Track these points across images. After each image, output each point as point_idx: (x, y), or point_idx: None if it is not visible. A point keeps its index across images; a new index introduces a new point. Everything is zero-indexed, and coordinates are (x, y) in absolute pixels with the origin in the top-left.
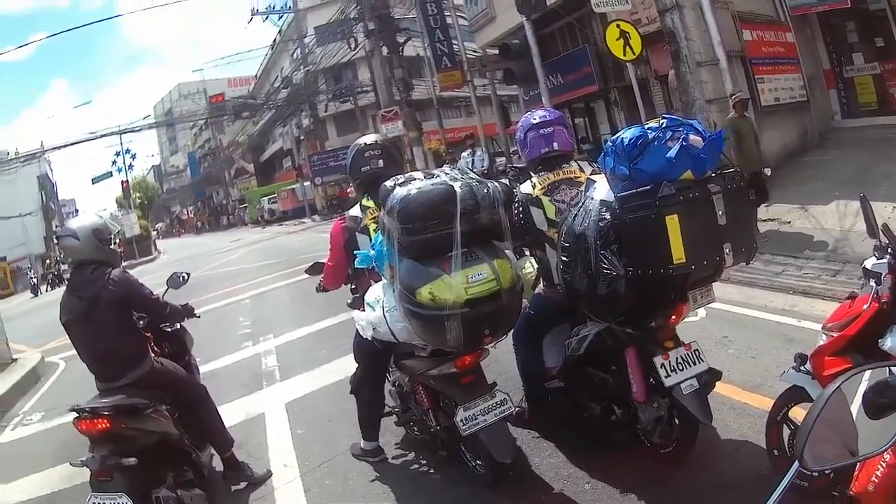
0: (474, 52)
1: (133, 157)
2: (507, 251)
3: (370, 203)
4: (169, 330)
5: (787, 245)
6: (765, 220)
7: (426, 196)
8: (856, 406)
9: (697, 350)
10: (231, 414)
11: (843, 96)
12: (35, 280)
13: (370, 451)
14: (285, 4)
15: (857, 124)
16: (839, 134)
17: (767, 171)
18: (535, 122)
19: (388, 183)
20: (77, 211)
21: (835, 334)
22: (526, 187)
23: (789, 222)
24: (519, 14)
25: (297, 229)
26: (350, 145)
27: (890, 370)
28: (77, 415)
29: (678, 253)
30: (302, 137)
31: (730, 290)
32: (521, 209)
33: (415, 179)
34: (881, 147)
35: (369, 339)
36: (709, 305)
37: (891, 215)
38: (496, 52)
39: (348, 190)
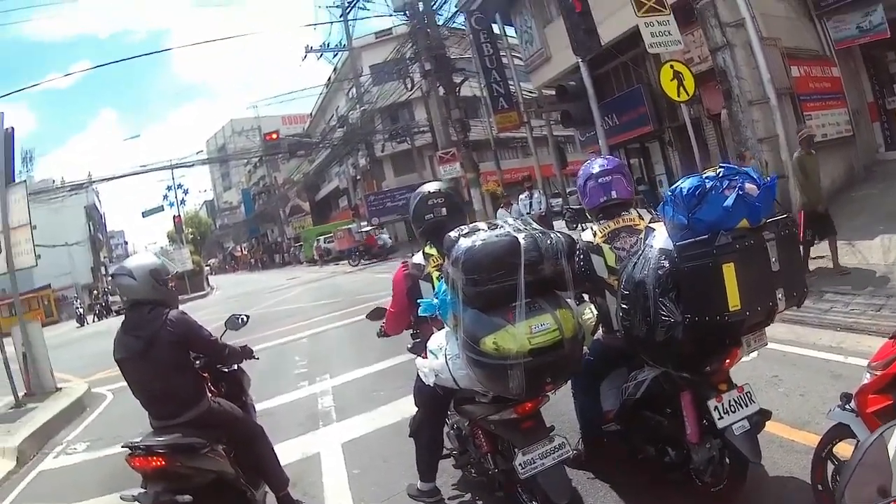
0: (530, 92)
1: (185, 192)
2: (569, 300)
3: (433, 251)
4: (226, 370)
5: (834, 281)
6: (814, 258)
7: (491, 247)
8: (893, 449)
9: (749, 392)
10: (286, 453)
11: (887, 128)
12: (81, 310)
13: (427, 492)
14: (339, 42)
15: None
16: (884, 167)
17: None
18: (594, 171)
19: (453, 234)
20: (126, 243)
21: (878, 373)
22: (587, 235)
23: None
24: (574, 55)
25: (352, 269)
26: (407, 186)
27: None
28: (130, 451)
29: (734, 300)
30: (358, 177)
31: (780, 329)
32: (582, 257)
33: (479, 230)
34: None
35: (431, 384)
36: (765, 347)
37: None
38: (552, 92)
39: (374, 234)
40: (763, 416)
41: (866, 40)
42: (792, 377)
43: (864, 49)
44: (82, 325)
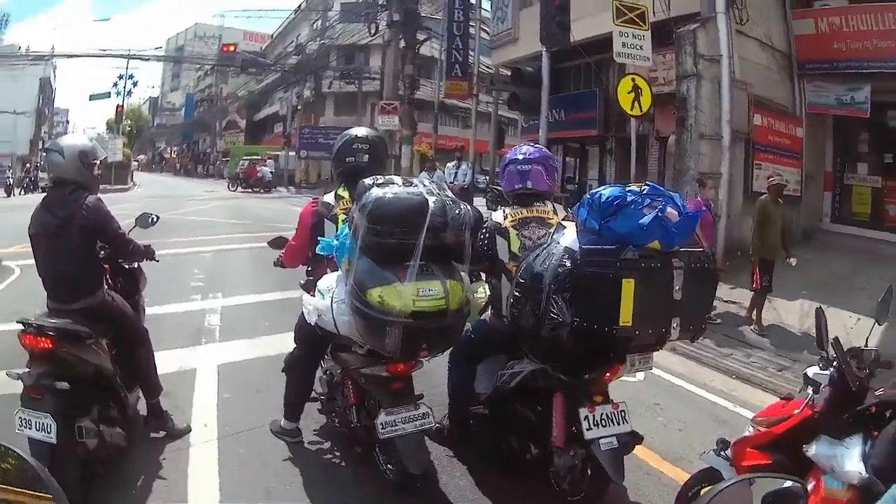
0: (487, 67)
1: (135, 83)
2: (462, 273)
3: (345, 194)
4: (126, 266)
5: (741, 331)
6: (726, 301)
7: (399, 202)
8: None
9: (624, 411)
10: (165, 363)
11: (837, 201)
12: (11, 180)
13: (289, 431)
14: None
15: (844, 231)
16: (824, 236)
17: (792, 262)
18: (518, 157)
19: (367, 181)
20: (68, 122)
21: (762, 429)
22: (497, 216)
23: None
24: (540, 43)
25: (270, 196)
26: (344, 126)
27: (798, 482)
28: (23, 327)
29: (626, 316)
30: (299, 107)
31: (674, 360)
32: (487, 235)
33: (393, 183)
34: (862, 259)
35: (312, 324)
36: (650, 371)
37: (853, 326)
38: (508, 73)
39: (256, 165)
40: (634, 438)
41: (843, 114)
42: (675, 410)
43: (837, 120)
44: (9, 196)
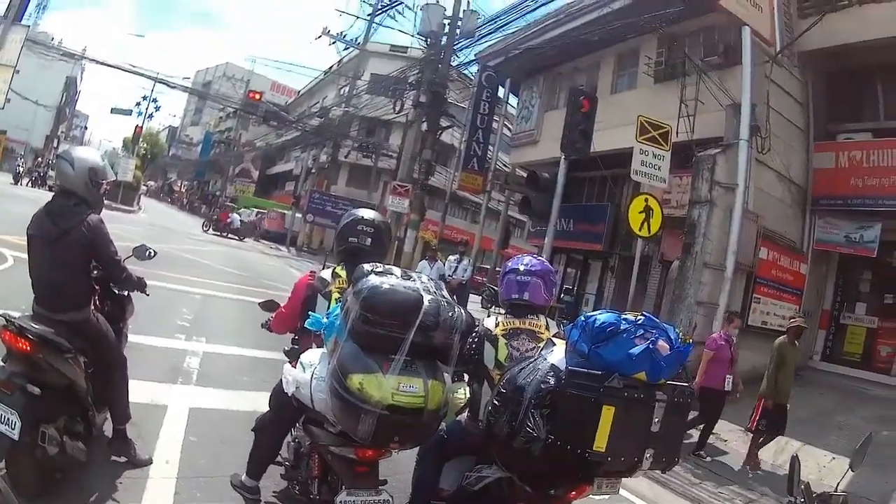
0: (504, 165)
1: (157, 108)
2: (445, 375)
3: (343, 273)
4: (116, 292)
5: (713, 462)
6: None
7: (395, 295)
8: None
9: None
10: (138, 393)
11: (831, 340)
12: (21, 169)
13: (249, 488)
14: (355, 39)
15: (832, 370)
16: (811, 374)
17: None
18: (519, 268)
19: (367, 266)
20: (86, 128)
21: None
22: (489, 322)
23: (726, 440)
24: (560, 150)
25: (272, 252)
26: (353, 199)
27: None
28: (5, 323)
29: (601, 441)
30: (313, 170)
31: (642, 483)
32: (476, 340)
33: (392, 274)
34: (847, 398)
35: (290, 394)
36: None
37: (826, 465)
38: (524, 174)
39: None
40: None
41: (850, 252)
42: None
43: (842, 258)
44: (16, 183)
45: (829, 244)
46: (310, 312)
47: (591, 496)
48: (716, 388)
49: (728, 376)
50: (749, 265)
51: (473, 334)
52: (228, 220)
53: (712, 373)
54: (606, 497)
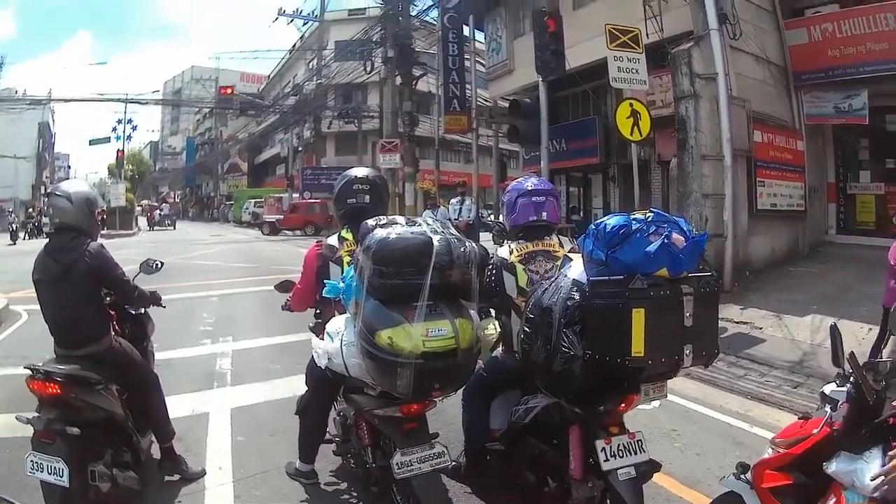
0: (485, 100)
1: (134, 128)
2: (471, 311)
3: (349, 235)
4: (133, 312)
5: (753, 350)
6: (737, 323)
7: (404, 243)
8: None
9: (641, 440)
10: (177, 407)
11: (842, 211)
12: (15, 226)
13: (304, 473)
14: (312, 12)
15: (850, 241)
16: (830, 248)
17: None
18: (528, 188)
19: (370, 222)
20: (69, 167)
21: (781, 450)
22: (503, 252)
23: (761, 328)
24: (536, 73)
25: (276, 238)
26: (346, 166)
27: None
28: (31, 373)
29: (638, 346)
30: (300, 148)
31: (689, 385)
32: (494, 272)
33: (396, 224)
34: (870, 267)
35: (323, 367)
36: (664, 398)
37: (865, 336)
38: (506, 105)
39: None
40: (652, 466)
41: (841, 122)
42: (691, 434)
43: (836, 129)
44: (14, 242)
45: (820, 117)
46: (325, 281)
47: (642, 406)
48: None
49: None
50: (746, 150)
51: (490, 266)
52: (156, 214)
53: None
54: (657, 404)
